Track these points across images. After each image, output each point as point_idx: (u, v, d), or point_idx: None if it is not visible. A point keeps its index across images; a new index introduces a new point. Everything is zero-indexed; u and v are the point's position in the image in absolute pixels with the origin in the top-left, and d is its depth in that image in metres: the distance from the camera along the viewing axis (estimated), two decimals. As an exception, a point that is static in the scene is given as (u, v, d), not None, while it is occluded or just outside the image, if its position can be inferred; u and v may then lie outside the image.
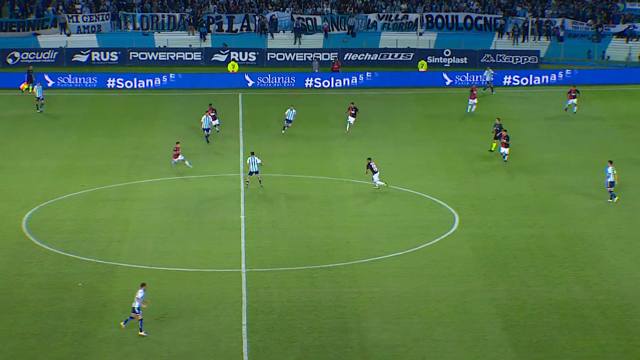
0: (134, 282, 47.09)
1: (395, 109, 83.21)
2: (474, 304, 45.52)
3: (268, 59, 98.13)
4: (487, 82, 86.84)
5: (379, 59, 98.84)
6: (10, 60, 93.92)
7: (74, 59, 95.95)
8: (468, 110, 78.92)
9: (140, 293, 41.51)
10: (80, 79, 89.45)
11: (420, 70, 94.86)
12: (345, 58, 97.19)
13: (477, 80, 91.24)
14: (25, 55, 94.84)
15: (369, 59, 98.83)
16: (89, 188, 61.24)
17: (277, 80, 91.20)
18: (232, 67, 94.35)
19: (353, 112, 68.45)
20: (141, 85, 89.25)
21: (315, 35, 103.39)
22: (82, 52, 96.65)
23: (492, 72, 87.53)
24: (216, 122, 72.19)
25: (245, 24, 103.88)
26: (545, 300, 45.48)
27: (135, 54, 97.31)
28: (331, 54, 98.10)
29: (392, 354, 40.61)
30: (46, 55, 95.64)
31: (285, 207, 58.43)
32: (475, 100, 78.91)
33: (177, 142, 62.98)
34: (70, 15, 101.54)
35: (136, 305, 41.30)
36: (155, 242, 52.58)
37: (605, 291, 46.60)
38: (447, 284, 47.64)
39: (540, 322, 43.33)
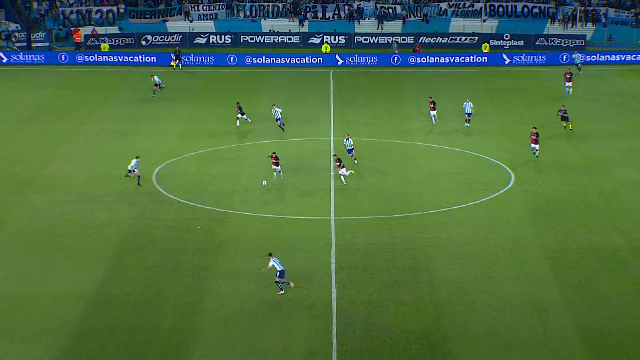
0: (244, 226, 47.89)
1: (462, 84, 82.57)
2: (526, 248, 45.45)
3: (355, 41, 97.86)
4: (577, 64, 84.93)
5: (448, 41, 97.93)
6: (144, 42, 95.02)
7: (195, 41, 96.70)
8: (569, 93, 76.63)
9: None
10: (200, 57, 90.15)
11: (483, 51, 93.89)
12: (420, 41, 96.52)
13: (531, 60, 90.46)
14: (155, 39, 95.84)
15: (440, 42, 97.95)
16: (206, 148, 61.92)
17: (362, 59, 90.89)
18: (325, 48, 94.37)
19: (432, 105, 66.66)
20: (249, 63, 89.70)
21: (395, 22, 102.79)
22: (202, 35, 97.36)
23: (581, 56, 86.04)
24: (244, 116, 66.77)
25: (337, 12, 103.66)
26: (587, 245, 45.28)
27: (246, 37, 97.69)
28: (408, 37, 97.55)
29: (456, 289, 40.79)
30: (173, 38, 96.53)
31: (367, 165, 58.54)
32: (571, 84, 76.56)
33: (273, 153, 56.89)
34: (192, 5, 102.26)
35: None
36: (260, 194, 53.04)
37: (639, 238, 46.35)
38: (503, 232, 47.56)
39: (582, 264, 43.20)
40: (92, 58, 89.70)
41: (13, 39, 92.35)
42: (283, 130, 65.06)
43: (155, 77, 75.27)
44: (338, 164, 53.49)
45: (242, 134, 65.18)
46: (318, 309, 39.10)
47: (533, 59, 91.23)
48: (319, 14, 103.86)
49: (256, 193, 53.20)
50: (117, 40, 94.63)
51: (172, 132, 64.96)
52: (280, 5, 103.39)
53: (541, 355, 35.72)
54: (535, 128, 58.49)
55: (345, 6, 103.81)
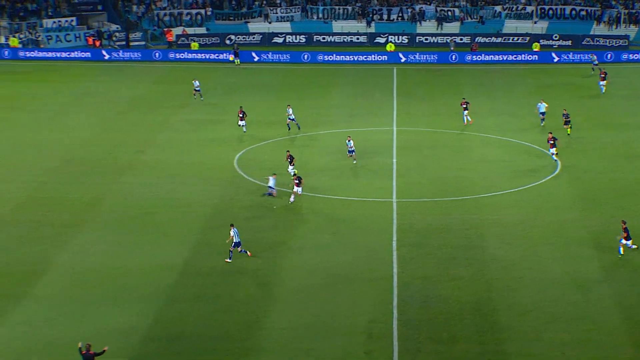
0: (315, 206, 47.93)
1: (514, 80, 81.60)
2: (570, 230, 44.84)
3: (417, 41, 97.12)
4: (593, 66, 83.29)
5: (502, 41, 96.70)
6: (227, 42, 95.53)
7: (273, 40, 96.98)
8: (603, 91, 75.09)
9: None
10: (277, 55, 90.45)
11: (534, 50, 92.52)
12: (476, 41, 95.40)
13: (580, 59, 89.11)
14: (238, 38, 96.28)
15: (494, 41, 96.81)
16: (282, 136, 62.14)
17: (423, 57, 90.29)
18: (390, 47, 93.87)
19: (465, 106, 65.10)
20: (321, 60, 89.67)
21: (453, 23, 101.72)
22: (279, 35, 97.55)
23: (596, 58, 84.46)
24: (243, 122, 62.19)
25: (400, 14, 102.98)
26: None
27: (318, 37, 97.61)
28: (465, 37, 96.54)
29: (505, 266, 40.44)
30: (253, 37, 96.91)
31: (426, 153, 58.25)
32: (605, 82, 74.88)
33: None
34: (271, 8, 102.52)
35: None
36: (328, 178, 53.09)
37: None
38: (550, 214, 46.97)
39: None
40: (182, 55, 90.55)
41: (114, 39, 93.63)
42: (299, 128, 62.70)
43: (196, 81, 72.40)
44: (297, 182, 48.06)
45: (314, 124, 65.19)
46: (380, 282, 39.05)
47: (580, 57, 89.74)
48: (384, 16, 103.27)
49: (326, 177, 53.22)
50: (204, 40, 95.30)
51: (251, 122, 65.18)
52: (349, 8, 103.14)
53: (583, 326, 35.25)
54: (551, 133, 56.30)
55: (408, 9, 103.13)
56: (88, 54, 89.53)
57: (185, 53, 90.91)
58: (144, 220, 46.07)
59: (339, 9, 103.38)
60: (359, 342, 34.19)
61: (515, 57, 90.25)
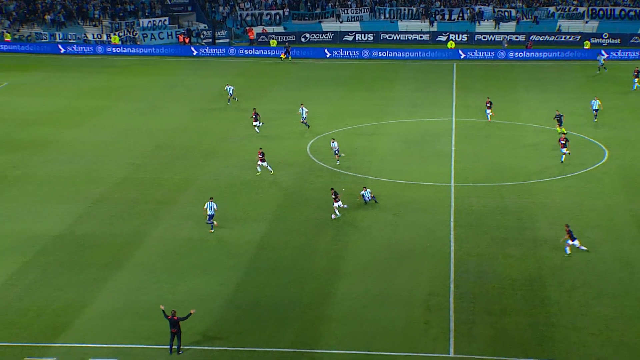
0: (379, 189, 47.76)
1: (566, 75, 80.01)
2: (617, 213, 43.98)
3: (475, 39, 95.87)
4: (601, 64, 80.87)
5: (555, 39, 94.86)
6: (303, 39, 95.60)
7: (343, 39, 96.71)
8: (634, 88, 72.63)
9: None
10: (347, 52, 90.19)
11: (585, 48, 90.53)
12: (531, 39, 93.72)
13: (626, 55, 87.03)
14: (312, 36, 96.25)
15: (547, 39, 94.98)
16: (350, 125, 62.12)
17: (481, 54, 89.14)
18: (450, 44, 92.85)
19: (489, 105, 62.35)
20: (387, 56, 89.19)
21: (510, 23, 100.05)
22: (349, 34, 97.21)
23: (603, 57, 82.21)
24: (257, 123, 59.54)
25: (461, 14, 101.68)
26: (670, 212, 43.52)
27: (385, 35, 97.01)
28: (521, 36, 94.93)
29: (555, 246, 39.78)
30: (326, 36, 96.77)
31: (482, 141, 57.59)
32: (638, 80, 71.95)
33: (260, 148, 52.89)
34: (342, 8, 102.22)
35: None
36: (393, 164, 52.89)
37: None
38: (597, 199, 46.09)
39: (665, 228, 41.53)
40: (262, 51, 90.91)
41: (202, 37, 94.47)
42: (308, 127, 59.92)
43: (229, 87, 68.67)
44: (334, 197, 43.99)
45: (380, 114, 64.92)
46: (438, 258, 38.83)
47: (628, 54, 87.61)
48: (446, 16, 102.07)
49: (389, 162, 53.03)
50: (282, 37, 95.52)
51: (324, 112, 65.29)
52: (414, 8, 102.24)
53: (627, 302, 34.59)
54: (564, 134, 54.72)
55: (468, 10, 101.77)
56: (178, 50, 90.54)
57: (265, 49, 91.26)
58: (227, 198, 46.45)
59: (405, 9, 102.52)
60: (419, 312, 34.09)
61: (567, 55, 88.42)
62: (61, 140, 57.23)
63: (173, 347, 30.93)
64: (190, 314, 31.31)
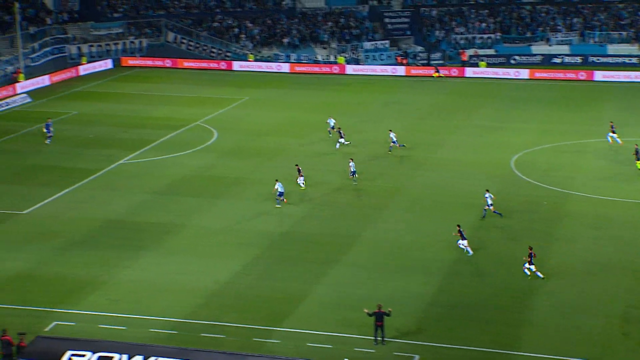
0: (581, 204, 45.68)
1: None
2: None
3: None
4: None
5: None
6: (512, 61, 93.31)
7: (551, 61, 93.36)
8: None
9: None
10: (555, 74, 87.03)
11: None
12: None
13: None
14: (522, 58, 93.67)
15: None
16: (555, 142, 59.77)
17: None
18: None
19: (612, 129, 57.22)
20: (597, 79, 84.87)
21: None
22: (557, 57, 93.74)
23: None
24: (342, 140, 57.73)
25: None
26: None
27: (593, 58, 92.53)
28: None
29: None
30: (535, 57, 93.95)
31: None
32: None
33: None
34: (552, 32, 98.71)
35: None
36: (597, 180, 50.33)
37: None
38: None
39: None
40: (473, 72, 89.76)
41: (417, 58, 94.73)
42: (394, 147, 56.47)
43: (331, 119, 63.01)
44: (459, 233, 39.63)
45: (586, 133, 62.04)
46: (639, 272, 36.51)
47: None
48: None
49: (593, 180, 50.56)
50: (492, 59, 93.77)
51: (529, 130, 63.49)
52: (624, 33, 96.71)
53: None
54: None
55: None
56: (396, 70, 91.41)
57: (476, 70, 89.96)
58: (434, 207, 46.33)
59: (614, 33, 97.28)
60: (617, 323, 32.38)
61: None
62: (287, 150, 59.08)
63: (377, 338, 31.32)
64: (390, 311, 31.44)
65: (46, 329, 32.11)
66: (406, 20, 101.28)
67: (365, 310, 31.61)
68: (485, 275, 37.14)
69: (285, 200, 45.89)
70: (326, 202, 47.60)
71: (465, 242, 39.00)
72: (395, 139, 56.89)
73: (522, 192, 48.67)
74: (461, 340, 31.49)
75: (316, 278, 37.19)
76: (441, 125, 66.31)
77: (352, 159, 51.17)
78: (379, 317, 31.16)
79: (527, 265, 36.66)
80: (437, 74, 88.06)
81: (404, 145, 56.84)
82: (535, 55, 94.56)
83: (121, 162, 55.53)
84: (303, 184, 48.92)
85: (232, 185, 50.32)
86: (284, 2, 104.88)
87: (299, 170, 49.50)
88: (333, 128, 61.19)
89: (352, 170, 50.43)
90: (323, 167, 54.45)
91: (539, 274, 36.47)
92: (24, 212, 45.65)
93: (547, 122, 66.72)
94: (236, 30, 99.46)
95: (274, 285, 36.57)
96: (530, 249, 36.88)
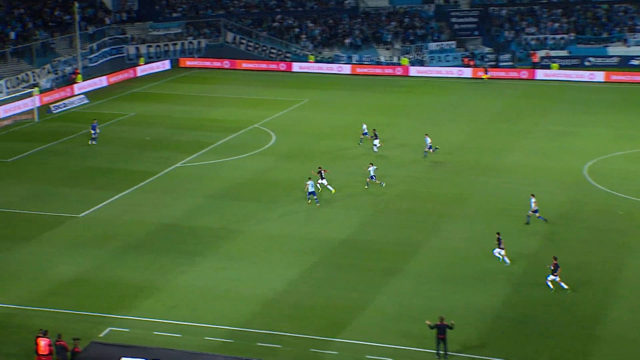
0: None
1: None
2: None
3: None
4: None
5: None
6: (587, 63, 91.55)
7: (629, 62, 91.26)
8: None
9: None
10: (632, 77, 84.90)
11: None
12: None
13: None
14: (597, 60, 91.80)
15: None
16: (630, 149, 58.50)
17: None
18: None
19: None
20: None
21: None
22: (636, 58, 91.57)
23: None
24: (376, 142, 58.07)
25: None
26: None
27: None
28: None
29: None
30: (611, 59, 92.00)
31: None
32: None
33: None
34: (630, 33, 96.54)
35: None
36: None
37: None
38: None
39: None
40: (545, 74, 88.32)
41: (485, 59, 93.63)
42: (429, 152, 56.26)
43: (364, 125, 62.16)
44: (498, 241, 39.17)
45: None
46: None
47: None
48: None
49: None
50: (565, 61, 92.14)
51: (602, 135, 62.21)
52: None
53: None
54: None
55: None
56: (462, 72, 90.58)
57: (547, 72, 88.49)
58: (501, 215, 45.67)
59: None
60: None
61: None
62: (347, 155, 58.88)
63: (440, 351, 31.00)
64: (453, 324, 31.10)
65: (101, 335, 32.71)
66: (474, 20, 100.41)
67: (427, 322, 31.32)
68: (555, 288, 36.37)
69: (317, 201, 46.48)
70: (388, 209, 47.40)
71: (502, 252, 38.42)
72: (430, 144, 56.48)
73: (596, 201, 47.69)
74: (528, 356, 30.94)
75: (377, 287, 37.04)
76: (510, 130, 65.44)
77: (371, 163, 51.05)
78: (442, 329, 30.85)
79: (550, 277, 35.94)
80: (486, 76, 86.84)
81: (437, 148, 56.39)
82: (611, 56, 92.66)
83: (178, 164, 56.34)
84: (331, 187, 48.96)
85: (289, 190, 50.53)
86: (346, 2, 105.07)
87: (320, 173, 49.24)
88: (366, 134, 60.85)
89: (371, 174, 50.32)
90: (384, 171, 54.27)
91: (563, 284, 35.81)
92: (79, 215, 46.66)
93: (624, 127, 65.27)
94: (297, 30, 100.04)
95: (333, 294, 36.54)
96: (555, 259, 36.21)
